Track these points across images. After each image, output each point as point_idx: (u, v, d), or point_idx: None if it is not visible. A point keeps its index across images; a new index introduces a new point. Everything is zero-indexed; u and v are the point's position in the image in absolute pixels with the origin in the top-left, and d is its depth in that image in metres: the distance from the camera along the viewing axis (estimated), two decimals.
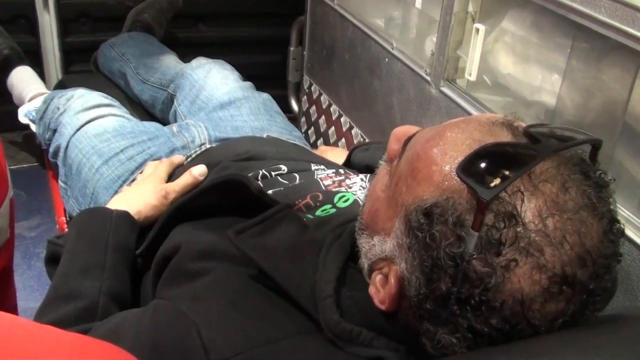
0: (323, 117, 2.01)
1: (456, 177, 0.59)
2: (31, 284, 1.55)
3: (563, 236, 0.56)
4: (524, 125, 0.65)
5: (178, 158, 1.16)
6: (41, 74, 2.10)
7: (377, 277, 0.66)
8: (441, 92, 1.37)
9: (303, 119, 2.18)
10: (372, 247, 0.68)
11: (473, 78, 1.30)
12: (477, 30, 1.27)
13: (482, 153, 0.60)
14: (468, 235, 0.57)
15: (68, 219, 1.39)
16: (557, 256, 0.56)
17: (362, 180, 0.97)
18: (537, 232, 0.56)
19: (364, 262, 0.69)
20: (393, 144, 0.70)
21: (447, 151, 0.62)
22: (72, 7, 2.19)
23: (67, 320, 0.83)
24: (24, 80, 1.90)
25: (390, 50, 1.58)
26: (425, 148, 0.64)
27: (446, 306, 0.59)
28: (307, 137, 2.07)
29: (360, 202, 0.86)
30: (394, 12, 1.63)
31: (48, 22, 2.16)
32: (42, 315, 0.85)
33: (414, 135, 0.69)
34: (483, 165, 0.59)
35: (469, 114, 1.28)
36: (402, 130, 0.70)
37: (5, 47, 1.92)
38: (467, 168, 0.59)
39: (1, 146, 1.04)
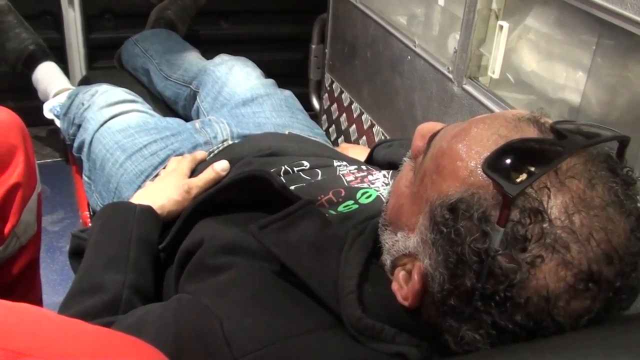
0: (344, 115, 2.01)
1: (482, 173, 0.59)
2: (54, 278, 1.57)
3: (589, 233, 0.56)
4: (550, 121, 0.64)
5: (201, 154, 1.16)
6: (66, 70, 2.12)
7: (400, 273, 0.66)
8: (464, 89, 1.36)
9: (324, 117, 2.18)
10: (396, 243, 0.67)
11: (496, 76, 1.29)
12: (501, 27, 1.26)
13: (508, 149, 0.59)
14: (493, 231, 0.57)
15: (92, 214, 1.40)
16: (583, 253, 0.56)
17: (384, 176, 0.97)
18: (563, 228, 0.56)
19: (387, 258, 0.69)
20: (418, 140, 0.70)
21: (472, 147, 0.62)
22: (97, 4, 2.21)
23: (91, 313, 0.83)
24: (49, 75, 1.92)
25: (413, 47, 1.57)
26: (450, 144, 0.64)
27: (470, 302, 0.58)
28: (328, 135, 2.07)
29: (383, 199, 0.86)
30: (417, 9, 1.62)
31: (73, 18, 2.18)
32: (66, 308, 0.86)
33: (438, 131, 0.68)
34: (509, 160, 0.58)
35: (492, 111, 1.27)
36: (427, 127, 0.70)
37: (31, 42, 1.95)
38: (493, 164, 0.59)
39: (31, 142, 1.05)
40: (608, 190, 0.58)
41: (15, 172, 0.96)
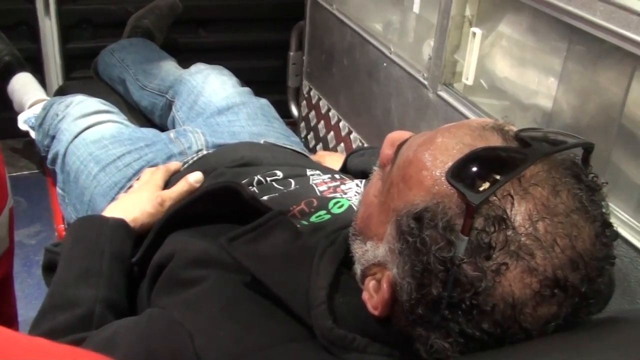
0: (322, 122, 2.02)
1: (446, 182, 0.59)
2: (31, 292, 1.55)
3: (554, 239, 0.56)
4: (514, 129, 0.65)
5: (174, 165, 1.16)
6: (42, 81, 2.10)
7: (370, 283, 0.66)
8: (438, 96, 1.37)
9: (302, 124, 2.18)
10: (365, 252, 0.67)
11: (470, 82, 1.30)
12: (474, 34, 1.27)
13: (472, 157, 0.59)
14: (458, 240, 0.57)
15: (66, 226, 1.39)
16: (548, 259, 0.56)
17: (357, 185, 0.97)
18: (528, 235, 0.56)
19: (357, 268, 0.69)
20: (386, 149, 0.70)
21: (437, 156, 0.62)
22: (73, 14, 2.20)
23: (63, 329, 0.83)
24: (24, 86, 1.91)
25: (389, 54, 1.58)
26: (416, 153, 0.64)
27: (438, 311, 0.59)
28: (306, 142, 2.07)
29: (355, 208, 0.86)
30: (392, 16, 1.63)
31: (49, 29, 2.17)
32: (39, 323, 0.85)
33: (406, 140, 0.69)
34: (473, 169, 0.59)
35: (466, 117, 1.28)
36: (395, 136, 0.70)
37: (6, 53, 1.93)
38: (457, 172, 0.59)
39: (1, 155, 1.04)
40: (572, 196, 0.59)
41: None
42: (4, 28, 2.02)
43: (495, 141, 0.62)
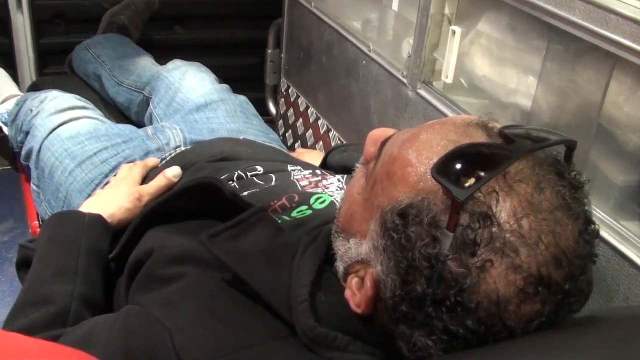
0: (301, 120, 2.01)
1: (431, 178, 0.59)
2: (4, 290, 1.53)
3: (538, 237, 0.56)
4: (499, 126, 0.65)
5: (152, 161, 1.14)
6: (15, 76, 2.07)
7: (354, 281, 0.66)
8: (418, 94, 1.37)
9: (281, 122, 2.17)
10: (348, 250, 0.67)
11: (450, 81, 1.30)
12: (454, 32, 1.27)
13: (457, 154, 0.59)
14: (443, 236, 0.57)
15: (41, 223, 1.37)
16: (533, 257, 0.56)
17: (339, 181, 0.97)
18: (512, 232, 0.56)
19: (340, 266, 0.69)
20: (369, 146, 0.70)
21: (422, 152, 0.62)
22: (47, 8, 2.16)
23: (38, 326, 0.81)
24: None
25: (368, 52, 1.58)
26: (401, 150, 0.63)
27: (422, 308, 0.58)
28: (284, 140, 2.06)
29: (337, 204, 0.86)
30: (371, 14, 1.63)
31: (22, 23, 2.13)
32: (13, 320, 0.84)
33: (390, 137, 0.68)
34: (458, 166, 0.58)
35: (446, 116, 1.28)
36: (379, 133, 0.70)
37: None
38: (442, 169, 0.59)
39: None
40: (556, 194, 0.59)
41: None
42: None
43: (480, 138, 0.62)
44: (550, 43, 1.07)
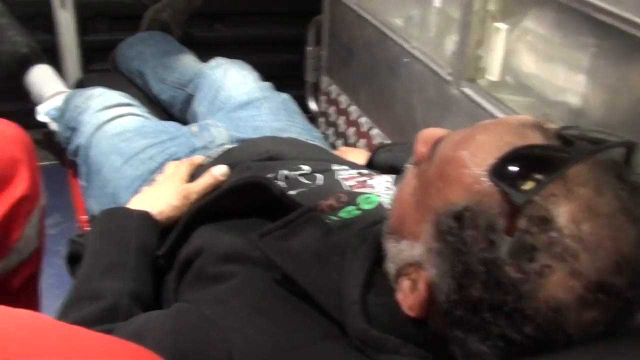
0: (342, 117, 2.00)
1: (487, 180, 0.58)
2: (52, 282, 1.55)
3: (598, 242, 0.55)
4: (555, 127, 0.63)
5: (198, 158, 1.15)
6: (60, 73, 2.10)
7: (406, 283, 0.65)
8: (462, 92, 1.36)
9: (322, 119, 2.17)
10: (400, 251, 0.66)
11: (495, 78, 1.29)
12: (498, 29, 1.26)
13: (513, 156, 0.58)
14: (500, 240, 0.56)
15: (88, 218, 1.39)
16: (593, 262, 0.55)
17: (386, 181, 0.96)
18: (572, 237, 0.55)
19: (391, 267, 0.68)
20: (420, 146, 0.69)
21: (477, 154, 0.61)
22: (90, 6, 2.20)
23: (89, 321, 0.82)
24: (42, 78, 1.90)
25: (410, 49, 1.57)
26: (454, 151, 0.63)
27: (477, 313, 0.58)
28: (326, 138, 2.06)
29: (385, 204, 0.85)
30: (413, 10, 1.62)
31: (66, 21, 2.16)
32: (65, 314, 0.85)
33: (441, 138, 0.68)
34: (515, 168, 0.58)
35: (491, 114, 1.27)
36: (429, 133, 0.69)
37: (24, 45, 1.93)
38: (499, 171, 0.58)
39: (35, 156, 1.03)
40: (616, 197, 0.57)
41: (19, 187, 0.95)
42: (21, 20, 2.01)
43: (536, 139, 0.61)
44: (599, 39, 1.05)
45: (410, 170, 0.71)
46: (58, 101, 1.63)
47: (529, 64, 1.26)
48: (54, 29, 2.16)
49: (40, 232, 1.02)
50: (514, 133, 0.62)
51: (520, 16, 1.26)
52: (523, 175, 0.57)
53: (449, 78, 1.41)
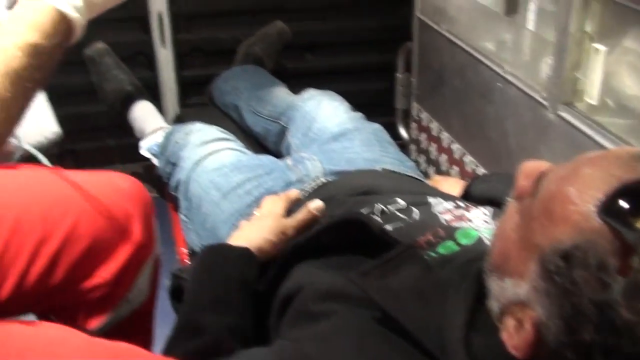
0: (434, 144, 1.99)
1: (596, 218, 0.56)
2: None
3: None
4: None
5: (294, 193, 1.17)
6: (159, 107, 2.19)
7: (511, 322, 0.64)
8: (559, 116, 1.32)
9: (413, 147, 2.16)
10: (504, 290, 0.65)
11: (594, 101, 1.24)
12: (597, 50, 1.22)
13: (624, 191, 0.56)
14: (613, 281, 0.54)
15: (188, 251, 1.44)
16: None
17: (484, 214, 0.95)
18: None
19: (495, 305, 0.67)
20: (522, 180, 0.67)
21: (584, 189, 0.59)
22: (187, 43, 2.29)
23: (193, 356, 0.85)
24: (144, 114, 1.99)
25: (503, 74, 1.54)
26: (560, 186, 0.61)
27: (589, 356, 0.55)
28: (417, 165, 2.05)
29: (485, 239, 0.84)
30: (505, 34, 1.59)
31: (165, 58, 2.27)
32: (170, 349, 0.88)
33: (545, 172, 0.66)
34: (626, 205, 0.55)
35: (591, 139, 1.22)
36: (532, 166, 0.67)
37: (128, 83, 2.03)
38: (609, 208, 0.56)
39: (152, 209, 1.07)
40: None
41: (133, 240, 0.99)
42: (124, 59, 2.12)
43: None
44: None
45: (511, 204, 0.69)
46: (159, 137, 1.70)
47: (630, 85, 1.21)
48: (154, 66, 2.27)
49: (153, 282, 1.06)
50: (623, 166, 0.59)
51: (620, 36, 1.22)
52: (635, 212, 0.55)
53: (544, 102, 1.37)
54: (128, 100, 2.02)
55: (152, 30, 2.22)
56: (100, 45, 2.03)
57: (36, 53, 0.81)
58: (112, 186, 1.06)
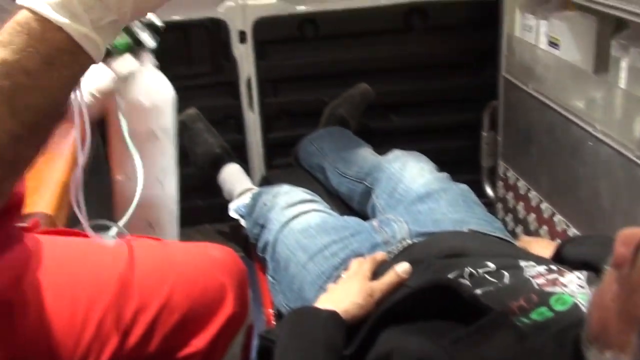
0: (521, 203, 1.95)
1: None
2: None
3: None
4: None
5: (381, 255, 1.17)
6: (247, 169, 2.26)
7: None
8: None
9: (500, 205, 2.12)
10: None
11: None
12: None
13: None
14: None
15: (275, 312, 1.45)
16: None
17: (578, 278, 0.91)
18: None
19: None
20: (621, 247, 0.65)
21: None
22: (274, 106, 2.36)
23: None
24: (232, 176, 2.06)
25: (594, 132, 1.51)
26: None
27: None
28: (504, 224, 2.01)
29: (580, 305, 0.81)
30: (595, 93, 1.56)
31: (253, 121, 2.35)
32: None
33: None
34: None
35: None
36: (631, 234, 0.65)
37: (217, 146, 2.11)
38: None
39: (246, 279, 1.10)
40: None
41: (227, 310, 1.02)
42: (214, 122, 2.21)
43: None
44: None
45: (609, 273, 0.66)
46: (246, 198, 1.74)
47: None
48: (242, 129, 2.35)
49: (246, 348, 1.07)
50: None
51: None
52: None
53: (639, 161, 1.33)
54: (217, 163, 2.09)
55: (241, 95, 2.30)
56: (192, 111, 2.13)
57: (22, 71, 0.56)
58: (207, 257, 1.10)
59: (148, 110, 1.28)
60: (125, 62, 1.23)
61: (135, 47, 1.26)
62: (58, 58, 0.57)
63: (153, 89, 1.31)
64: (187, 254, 1.09)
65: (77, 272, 0.96)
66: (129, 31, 1.24)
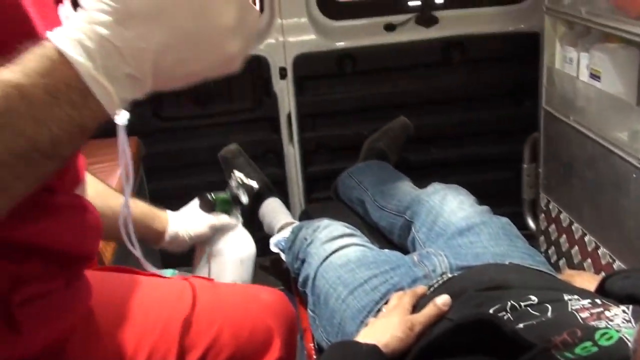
0: (564, 236, 1.92)
1: None
2: None
3: None
4: None
5: (421, 289, 1.16)
6: (286, 202, 2.27)
7: None
8: None
9: (542, 238, 2.09)
10: None
11: None
12: None
13: None
14: None
15: (316, 346, 1.45)
16: None
17: (624, 312, 0.89)
18: None
19: None
20: None
21: None
22: (313, 140, 2.38)
23: None
24: (273, 211, 2.07)
25: (638, 165, 1.49)
26: None
27: None
28: (546, 257, 1.98)
29: (626, 340, 0.79)
30: (638, 125, 1.54)
31: (292, 155, 2.37)
32: None
33: None
34: None
35: None
36: None
37: (258, 180, 2.13)
38: None
39: (295, 325, 1.11)
40: None
41: (273, 354, 1.03)
42: (255, 157, 2.23)
43: None
44: None
45: None
46: (287, 233, 1.75)
47: None
48: (282, 163, 2.38)
49: None
50: None
51: None
52: None
53: None
54: (258, 197, 2.11)
55: (281, 130, 2.34)
56: (233, 147, 2.17)
57: (20, 96, 0.54)
58: (257, 300, 1.11)
59: (231, 262, 1.38)
60: (222, 215, 1.37)
61: (232, 203, 1.43)
62: (65, 94, 0.56)
63: (239, 244, 1.41)
64: (238, 296, 1.11)
65: (145, 310, 0.97)
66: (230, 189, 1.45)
